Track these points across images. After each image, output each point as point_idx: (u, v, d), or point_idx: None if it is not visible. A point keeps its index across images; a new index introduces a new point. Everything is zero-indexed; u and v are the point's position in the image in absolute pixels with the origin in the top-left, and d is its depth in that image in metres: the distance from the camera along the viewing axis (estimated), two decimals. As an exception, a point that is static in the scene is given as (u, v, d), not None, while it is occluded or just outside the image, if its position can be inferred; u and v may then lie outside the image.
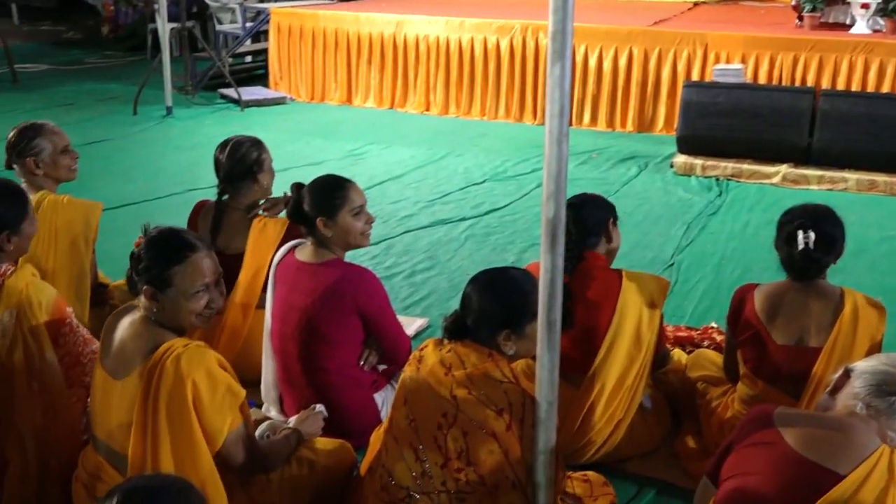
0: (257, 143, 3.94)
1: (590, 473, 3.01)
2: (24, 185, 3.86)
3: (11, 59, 10.85)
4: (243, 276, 3.77)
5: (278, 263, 3.47)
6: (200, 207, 4.00)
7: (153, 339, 2.51)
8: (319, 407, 3.14)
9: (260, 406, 3.50)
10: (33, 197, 3.79)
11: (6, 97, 9.98)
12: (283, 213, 3.93)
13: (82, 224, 3.79)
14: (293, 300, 3.32)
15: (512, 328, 2.64)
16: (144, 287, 2.52)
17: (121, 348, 2.55)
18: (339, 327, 3.30)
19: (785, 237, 3.08)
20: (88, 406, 2.72)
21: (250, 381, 3.67)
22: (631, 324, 3.20)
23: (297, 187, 3.43)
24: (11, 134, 3.84)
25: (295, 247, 3.47)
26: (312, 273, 3.33)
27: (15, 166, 3.86)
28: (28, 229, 3.08)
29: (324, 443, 3.03)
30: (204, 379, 2.43)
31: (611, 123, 8.37)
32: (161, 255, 2.53)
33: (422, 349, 2.76)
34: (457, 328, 2.68)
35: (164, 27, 8.90)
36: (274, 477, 2.79)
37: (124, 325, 2.59)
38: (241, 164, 3.88)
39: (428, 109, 9.13)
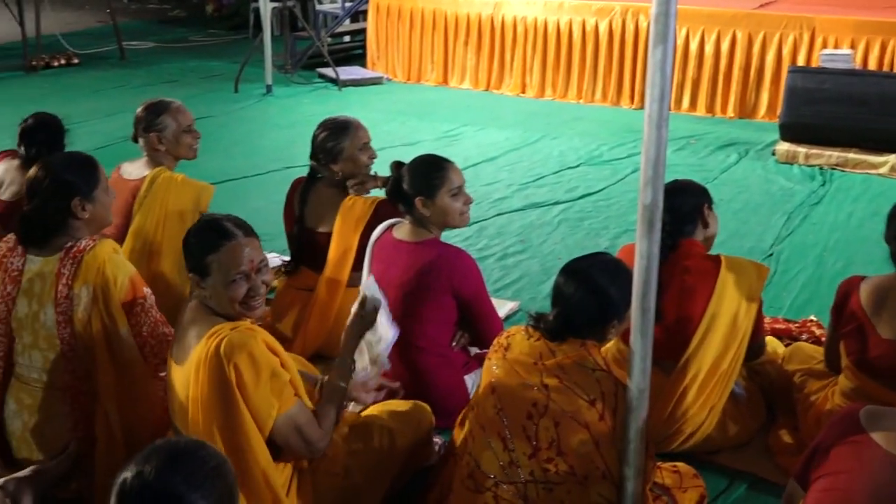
0: (345, 126, 3.94)
1: (680, 464, 2.96)
2: (145, 160, 4.01)
3: (120, 36, 11.19)
4: (331, 255, 3.83)
5: (376, 241, 3.51)
6: (298, 184, 4.06)
7: (208, 324, 2.52)
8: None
9: (349, 382, 3.54)
10: (150, 172, 3.93)
11: (115, 73, 10.30)
12: (372, 192, 3.98)
13: (192, 204, 3.90)
14: (389, 277, 3.35)
15: (618, 318, 2.63)
16: (190, 275, 2.57)
17: (182, 334, 2.59)
18: (433, 306, 3.31)
19: None
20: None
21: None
22: (728, 311, 3.13)
23: (397, 166, 3.45)
24: (140, 109, 3.99)
25: (393, 225, 3.50)
26: (409, 251, 3.36)
27: (140, 140, 3.99)
28: (102, 197, 3.09)
29: (397, 405, 3.05)
30: (246, 362, 2.40)
31: (711, 109, 8.19)
32: (198, 243, 2.56)
33: (508, 336, 2.74)
34: (557, 329, 2.63)
35: (266, 6, 9.04)
36: (350, 450, 2.81)
37: (186, 312, 2.63)
38: (326, 144, 3.91)
39: (524, 91, 9.08)
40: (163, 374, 2.93)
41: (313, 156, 3.96)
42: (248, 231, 2.60)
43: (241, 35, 12.62)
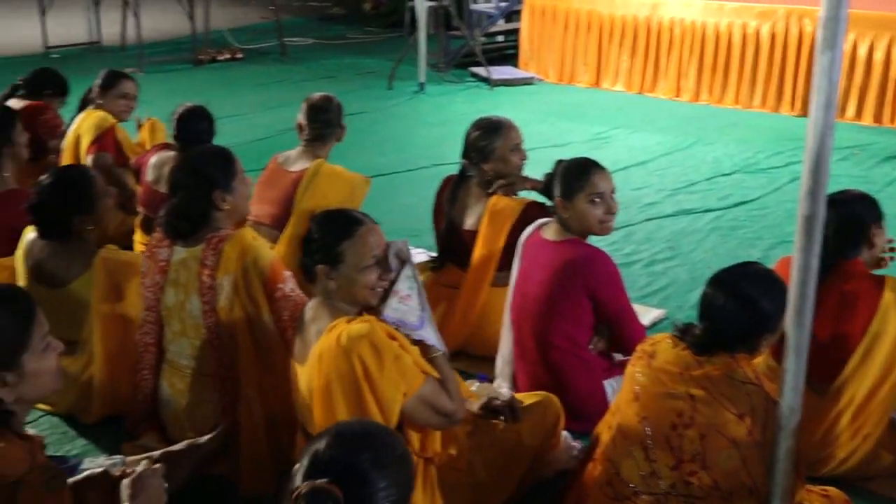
0: (498, 126, 3.93)
1: (830, 489, 2.82)
2: (301, 149, 4.18)
3: (282, 32, 11.59)
4: (476, 253, 3.84)
5: (526, 239, 3.52)
6: (448, 182, 4.10)
7: (330, 319, 2.53)
8: None
9: (491, 381, 3.56)
10: (312, 164, 4.07)
11: (276, 69, 10.67)
12: (521, 193, 3.97)
13: (349, 196, 4.02)
14: (532, 275, 3.36)
15: (770, 331, 2.55)
16: (319, 266, 2.56)
17: (304, 333, 2.62)
18: (570, 305, 3.29)
19: None
20: None
21: (482, 357, 3.77)
22: (891, 335, 2.97)
23: (558, 164, 3.45)
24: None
25: (543, 225, 3.50)
26: (552, 249, 3.35)
27: None
28: (240, 188, 3.18)
29: (523, 397, 3.01)
30: (369, 351, 2.39)
31: (878, 118, 7.80)
32: (330, 231, 2.58)
33: (653, 343, 2.68)
34: (705, 344, 2.55)
35: (422, 5, 9.18)
36: (476, 444, 2.81)
37: (307, 311, 2.66)
38: (478, 143, 3.92)
39: (678, 95, 8.89)
40: None
41: (465, 154, 3.98)
42: (372, 218, 2.66)
43: (396, 33, 12.85)
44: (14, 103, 5.19)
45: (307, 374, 2.53)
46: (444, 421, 2.57)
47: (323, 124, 4.19)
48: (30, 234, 3.51)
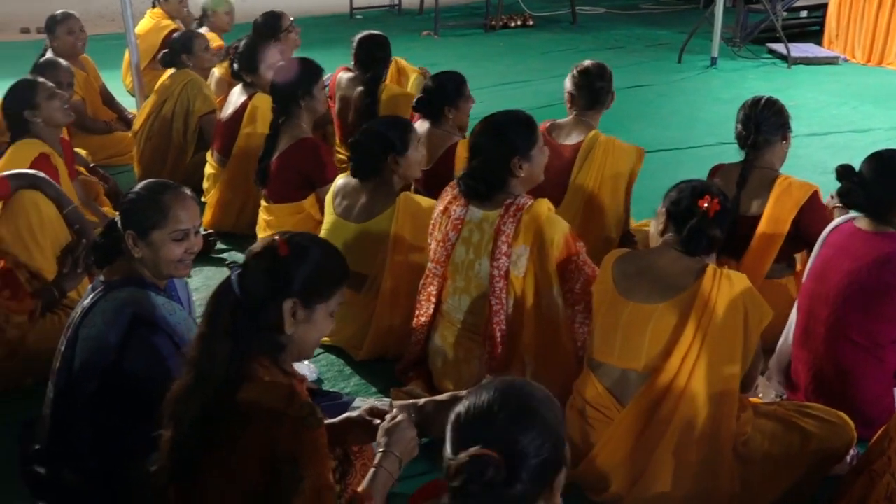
0: (783, 109, 3.67)
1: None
2: (573, 119, 4.13)
3: (574, 0, 11.54)
4: (757, 238, 3.61)
5: (832, 229, 3.28)
6: (716, 170, 3.87)
7: (693, 266, 2.66)
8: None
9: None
10: (588, 135, 4.04)
11: (564, 37, 10.66)
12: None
13: (627, 166, 3.96)
14: (837, 262, 3.13)
15: None
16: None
17: (655, 277, 2.67)
18: (884, 301, 3.03)
19: None
20: (591, 335, 2.84)
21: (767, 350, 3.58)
22: None
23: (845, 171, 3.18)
24: None
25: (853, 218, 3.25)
26: (866, 240, 3.10)
27: None
28: (538, 157, 3.22)
29: (821, 410, 2.85)
30: (752, 301, 2.63)
31: None
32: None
33: None
34: None
35: (723, -24, 8.79)
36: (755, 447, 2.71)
37: (654, 258, 2.72)
38: (766, 124, 3.66)
39: None
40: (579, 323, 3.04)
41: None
42: None
43: (691, 5, 12.43)
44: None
45: (666, 316, 2.66)
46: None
47: (597, 92, 4.12)
48: (341, 178, 3.79)
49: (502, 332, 3.12)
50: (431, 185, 4.01)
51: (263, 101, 4.78)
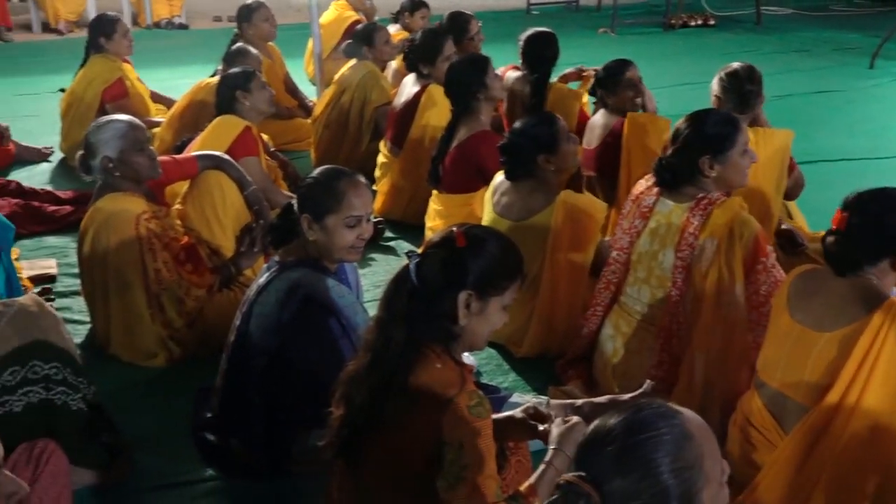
0: None
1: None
2: None
3: (759, 0, 11.14)
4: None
5: None
6: None
7: (870, 294, 2.42)
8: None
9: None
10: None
11: (747, 38, 10.32)
12: None
13: (783, 152, 3.80)
14: None
15: None
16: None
17: (828, 301, 2.49)
18: None
19: None
20: (761, 350, 2.73)
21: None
22: None
23: None
24: None
25: None
26: None
27: None
28: (735, 159, 3.11)
29: None
30: None
31: None
32: None
33: None
34: None
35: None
36: None
37: (828, 279, 2.52)
38: None
39: None
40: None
41: None
42: None
43: (888, 7, 11.77)
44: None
45: (834, 345, 2.44)
46: None
47: (745, 95, 3.92)
48: (499, 176, 3.79)
49: (678, 325, 3.08)
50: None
51: (437, 92, 4.86)
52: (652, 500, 1.48)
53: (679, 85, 7.90)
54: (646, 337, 3.17)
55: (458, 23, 5.67)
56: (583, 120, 4.90)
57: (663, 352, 3.11)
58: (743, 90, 3.91)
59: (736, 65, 4.01)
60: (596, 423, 1.59)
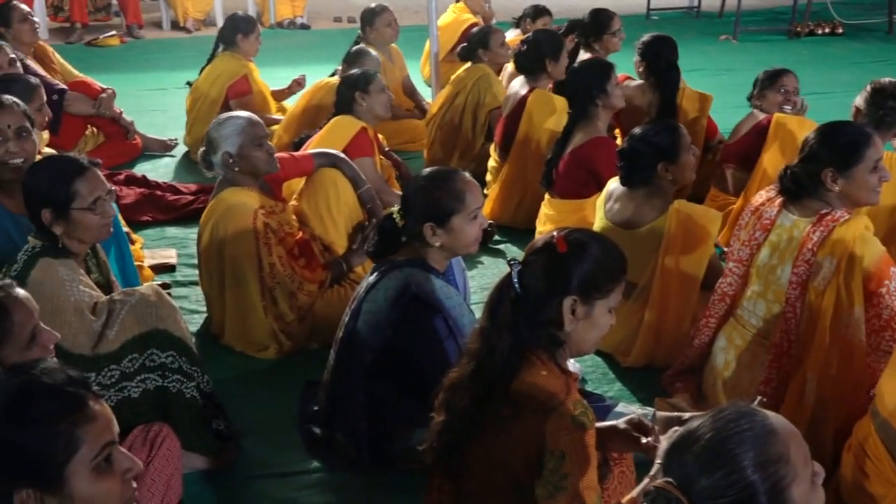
0: None
1: None
2: None
3: (893, 8, 10.71)
4: None
5: None
6: None
7: None
8: None
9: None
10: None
11: (879, 48, 9.94)
12: None
13: None
14: None
15: None
16: None
17: None
18: None
19: None
20: (882, 378, 2.61)
21: None
22: None
23: None
24: None
25: None
26: None
27: None
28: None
29: None
30: None
31: None
32: None
33: None
34: None
35: None
36: None
37: None
38: None
39: None
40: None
41: None
42: None
43: None
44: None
45: None
46: None
47: (886, 111, 3.78)
48: (612, 183, 3.75)
49: (790, 342, 2.99)
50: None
51: (543, 96, 4.85)
52: (739, 496, 1.46)
53: (803, 95, 7.65)
54: (759, 352, 3.09)
55: (600, 18, 5.70)
56: (710, 127, 5.00)
57: (772, 369, 3.03)
58: (884, 106, 3.80)
59: (886, 80, 3.89)
60: (681, 428, 1.57)
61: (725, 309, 3.25)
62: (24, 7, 5.90)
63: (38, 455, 1.58)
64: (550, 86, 5.06)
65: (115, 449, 1.66)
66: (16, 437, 1.59)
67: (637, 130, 3.70)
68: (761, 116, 4.58)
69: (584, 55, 5.51)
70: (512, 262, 2.14)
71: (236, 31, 6.09)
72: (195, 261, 4.00)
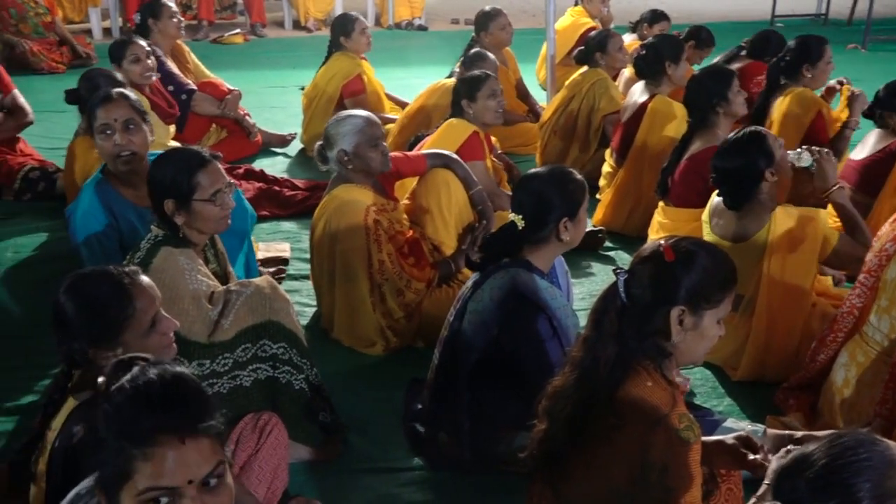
0: None
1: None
2: None
3: None
4: None
5: None
6: None
7: None
8: None
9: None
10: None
11: None
12: None
13: None
14: None
15: None
16: None
17: None
18: None
19: None
20: None
21: None
22: None
23: None
24: None
25: None
26: None
27: None
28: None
29: None
30: None
31: None
32: None
33: None
34: None
35: None
36: None
37: None
38: None
39: None
40: None
41: None
42: None
43: None
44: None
45: None
46: None
47: None
48: (716, 196, 3.63)
49: None
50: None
51: (663, 102, 4.77)
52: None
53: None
54: (881, 370, 2.95)
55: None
56: (820, 127, 4.76)
57: (888, 389, 2.88)
58: None
59: None
60: (795, 451, 1.52)
61: (853, 323, 3.11)
62: (173, 5, 6.14)
63: None
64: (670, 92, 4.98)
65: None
66: None
67: (724, 152, 3.51)
68: (891, 140, 4.19)
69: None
70: (618, 271, 2.10)
71: (338, 34, 6.23)
72: (308, 255, 4.08)
